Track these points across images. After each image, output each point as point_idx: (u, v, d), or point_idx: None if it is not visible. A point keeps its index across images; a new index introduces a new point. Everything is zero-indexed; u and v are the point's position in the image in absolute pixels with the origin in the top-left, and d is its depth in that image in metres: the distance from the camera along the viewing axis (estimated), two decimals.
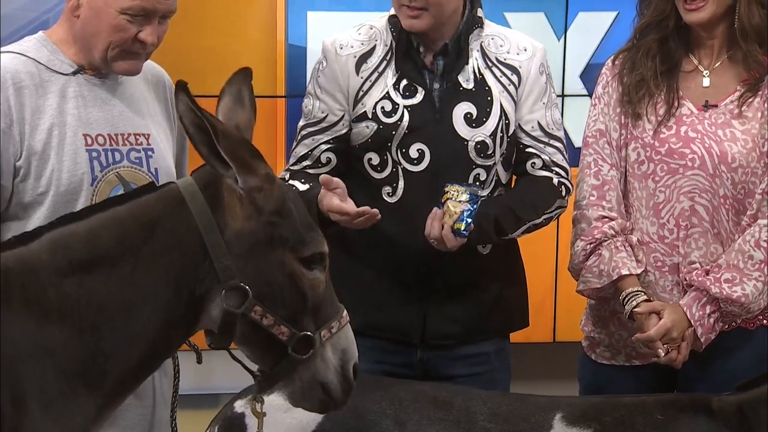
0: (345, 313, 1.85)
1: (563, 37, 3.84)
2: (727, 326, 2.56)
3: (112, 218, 1.73)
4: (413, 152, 2.56)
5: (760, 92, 2.56)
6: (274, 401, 2.19)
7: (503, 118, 2.59)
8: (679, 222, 2.55)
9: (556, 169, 2.63)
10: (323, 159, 2.62)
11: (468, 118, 2.57)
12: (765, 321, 2.60)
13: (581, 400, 2.35)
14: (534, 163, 2.63)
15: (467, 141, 2.56)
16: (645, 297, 2.53)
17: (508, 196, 2.63)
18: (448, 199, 2.45)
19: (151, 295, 1.71)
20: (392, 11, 2.60)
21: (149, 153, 2.34)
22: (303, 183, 2.56)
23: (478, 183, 2.57)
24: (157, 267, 1.71)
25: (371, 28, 2.63)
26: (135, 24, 2.25)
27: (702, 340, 2.51)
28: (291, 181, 2.57)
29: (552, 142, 2.64)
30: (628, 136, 2.61)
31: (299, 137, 2.65)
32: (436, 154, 2.56)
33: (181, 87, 1.68)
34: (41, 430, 1.64)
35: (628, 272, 2.54)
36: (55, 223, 1.73)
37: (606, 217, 2.60)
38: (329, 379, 1.83)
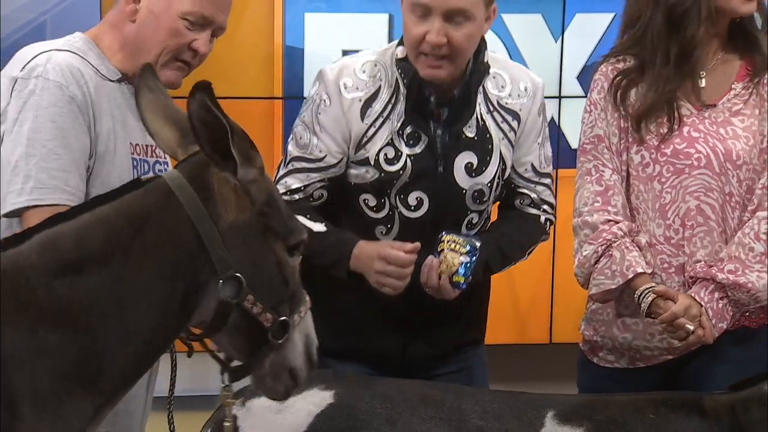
0: (308, 297, 1.89)
1: (560, 38, 3.84)
2: (731, 324, 2.54)
3: (100, 217, 1.72)
4: (412, 200, 2.54)
5: (754, 90, 2.56)
6: (265, 402, 2.19)
7: (501, 164, 2.58)
8: (684, 222, 2.54)
9: (544, 207, 2.66)
10: (316, 195, 2.57)
11: (469, 168, 2.55)
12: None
13: (573, 398, 2.34)
14: (523, 200, 2.66)
15: (465, 190, 2.55)
16: (662, 286, 2.53)
17: (497, 234, 2.62)
18: (445, 248, 2.45)
19: (145, 291, 1.70)
20: (395, 47, 2.54)
21: (168, 167, 2.35)
22: (310, 219, 2.50)
23: (470, 226, 2.58)
24: (149, 263, 1.70)
25: (375, 65, 2.53)
26: (192, 31, 2.29)
27: (714, 323, 2.49)
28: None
29: (542, 180, 2.65)
30: (630, 140, 2.60)
31: (291, 166, 2.56)
32: (435, 202, 2.54)
33: (203, 87, 1.68)
34: None
35: (642, 270, 2.53)
36: (44, 225, 1.72)
37: (612, 220, 2.59)
38: (297, 363, 1.86)
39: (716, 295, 2.50)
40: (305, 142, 2.54)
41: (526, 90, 2.59)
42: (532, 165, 2.63)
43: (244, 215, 1.76)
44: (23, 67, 2.22)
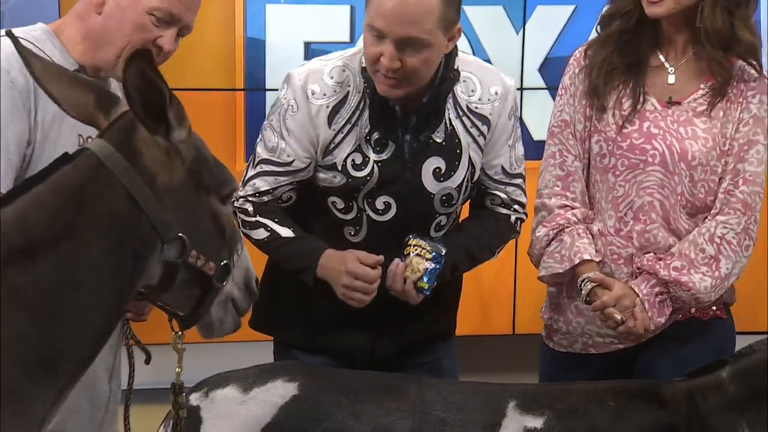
0: (241, 233, 1.94)
1: (522, 30, 3.84)
2: (681, 316, 2.58)
3: (37, 198, 1.70)
4: (379, 204, 2.54)
5: (721, 91, 2.56)
6: (229, 393, 2.20)
7: (470, 168, 2.57)
8: (638, 216, 2.56)
9: (515, 207, 2.66)
10: (285, 197, 2.57)
11: (437, 173, 2.54)
12: (718, 312, 2.62)
13: (534, 387, 2.36)
14: (494, 200, 2.66)
15: (434, 195, 2.55)
16: (600, 275, 2.55)
17: (466, 236, 2.62)
18: (411, 253, 2.46)
19: (95, 267, 1.69)
20: (362, 52, 2.49)
21: None
22: (278, 223, 2.53)
23: (439, 228, 2.59)
24: (93, 238, 1.69)
25: (344, 71, 2.51)
26: (158, 28, 2.28)
27: (650, 316, 2.51)
28: (261, 219, 2.53)
29: (513, 180, 2.65)
30: (592, 129, 2.61)
31: (259, 168, 2.55)
32: (402, 207, 2.54)
33: (140, 55, 1.67)
34: (2, 424, 1.60)
35: (589, 257, 2.56)
36: None
37: (568, 206, 2.62)
38: (240, 299, 1.95)
39: (656, 289, 2.53)
40: (273, 145, 2.54)
41: (496, 94, 2.57)
42: (503, 167, 2.62)
43: (177, 175, 1.77)
44: None
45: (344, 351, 2.61)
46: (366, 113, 2.50)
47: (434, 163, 2.53)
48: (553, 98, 3.70)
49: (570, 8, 3.85)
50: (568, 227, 2.61)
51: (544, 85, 3.88)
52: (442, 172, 2.54)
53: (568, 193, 2.63)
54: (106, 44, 2.28)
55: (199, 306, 1.88)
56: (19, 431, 1.64)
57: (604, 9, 2.65)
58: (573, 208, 2.62)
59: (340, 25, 3.73)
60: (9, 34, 1.90)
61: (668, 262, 2.53)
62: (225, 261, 1.86)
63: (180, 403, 2.00)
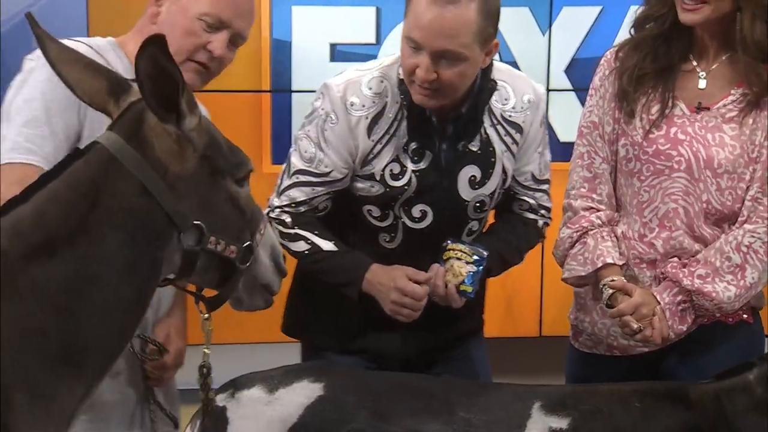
0: (264, 212, 1.95)
1: (548, 31, 3.84)
2: (706, 320, 2.56)
3: (53, 194, 1.71)
4: (416, 212, 2.56)
5: (752, 98, 2.51)
6: (255, 394, 2.20)
7: (503, 175, 2.60)
8: (663, 222, 2.54)
9: (542, 212, 2.69)
10: (321, 207, 2.59)
11: (472, 181, 2.56)
12: (744, 316, 2.59)
13: (559, 388, 2.35)
14: (522, 205, 2.68)
15: (468, 202, 2.57)
16: (621, 281, 2.54)
17: (498, 240, 2.64)
18: (452, 257, 2.48)
19: (113, 261, 1.69)
20: (399, 63, 2.50)
21: None
22: (319, 236, 2.54)
23: (470, 233, 2.61)
24: (110, 232, 1.70)
25: (381, 81, 2.51)
26: (208, 33, 2.32)
27: (671, 325, 2.50)
28: (300, 231, 2.55)
29: (541, 186, 2.68)
30: (620, 132, 2.60)
31: (295, 179, 2.55)
32: (438, 214, 2.56)
33: (154, 41, 1.66)
34: (31, 422, 1.62)
35: (612, 261, 2.55)
36: (3, 209, 1.70)
37: (593, 208, 2.61)
38: (269, 278, 1.95)
39: (678, 298, 2.51)
40: (310, 156, 2.54)
41: (529, 102, 2.59)
42: (532, 174, 2.65)
43: (190, 164, 1.76)
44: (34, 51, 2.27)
45: (375, 352, 2.63)
46: (404, 124, 2.51)
47: (470, 171, 2.55)
48: (580, 99, 3.73)
49: (596, 9, 3.84)
50: (592, 230, 2.60)
51: (570, 87, 3.87)
52: (477, 179, 2.56)
53: (594, 195, 2.62)
54: None
55: (224, 288, 1.88)
56: (47, 427, 1.65)
57: (638, 11, 2.62)
58: (598, 211, 2.61)
59: (365, 26, 3.74)
60: (28, 16, 1.88)
61: (692, 269, 2.51)
62: (248, 242, 1.85)
63: (208, 385, 1.99)
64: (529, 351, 3.97)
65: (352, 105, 2.50)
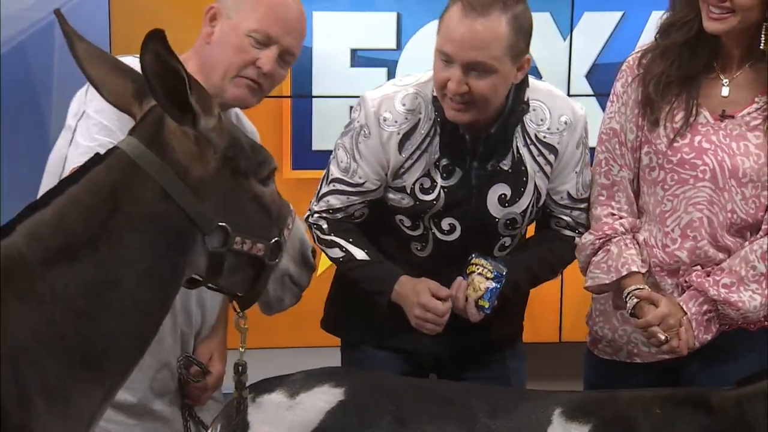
0: (291, 206, 1.92)
1: (569, 36, 3.83)
2: (728, 326, 2.55)
3: (73, 199, 1.71)
4: (445, 225, 2.59)
5: None
6: (276, 399, 2.20)
7: (535, 194, 2.62)
8: (685, 232, 2.53)
9: (580, 229, 2.69)
10: (357, 214, 2.64)
11: (502, 199, 2.59)
12: (767, 323, 2.58)
13: (580, 394, 2.34)
14: (559, 223, 2.70)
15: (498, 219, 2.60)
16: (647, 291, 2.53)
17: (530, 255, 2.67)
18: (474, 272, 2.51)
19: (134, 266, 1.70)
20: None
21: None
22: (353, 244, 2.60)
23: (503, 248, 2.64)
24: (131, 237, 1.70)
25: (416, 98, 2.56)
26: (256, 49, 2.36)
27: (696, 335, 2.49)
28: (335, 238, 2.61)
29: (579, 205, 2.68)
30: (643, 139, 2.58)
31: (332, 186, 2.62)
32: (467, 228, 2.59)
33: (156, 37, 1.64)
34: (48, 424, 1.62)
35: (636, 269, 2.54)
36: (23, 214, 1.71)
37: (615, 215, 2.60)
38: (297, 272, 1.93)
39: (705, 308, 2.49)
40: (346, 165, 2.60)
41: (566, 123, 2.60)
42: (569, 193, 2.66)
43: (211, 165, 1.76)
44: None
45: (410, 351, 2.68)
46: (436, 140, 2.55)
47: (500, 189, 2.58)
48: (601, 105, 3.71)
49: (618, 14, 3.83)
50: (615, 237, 2.58)
51: (591, 92, 3.86)
52: (508, 198, 2.59)
53: (613, 203, 2.61)
54: (213, 70, 2.38)
55: (255, 286, 1.88)
56: (66, 430, 1.65)
57: (663, 17, 2.60)
58: (620, 218, 2.60)
59: (386, 32, 3.74)
60: (56, 12, 1.86)
61: (717, 278, 2.49)
62: (275, 239, 1.85)
63: (243, 382, 2.00)
64: (549, 356, 3.96)
65: (384, 120, 2.55)
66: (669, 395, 2.26)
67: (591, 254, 2.61)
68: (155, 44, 1.64)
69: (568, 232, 2.70)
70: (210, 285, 1.90)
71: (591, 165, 2.70)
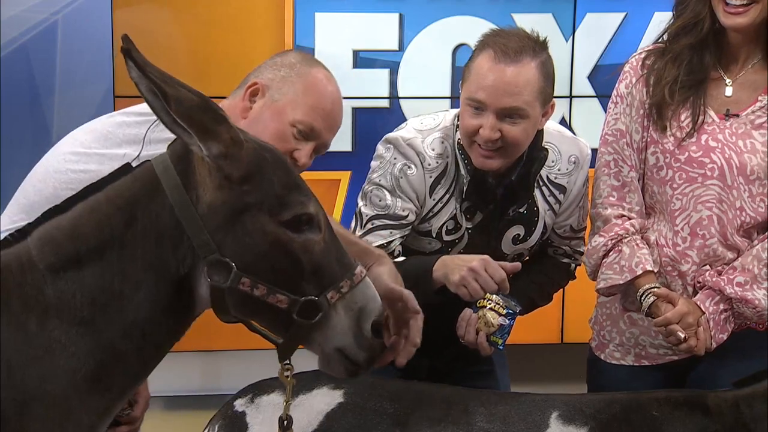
0: (359, 269, 1.75)
1: (571, 38, 3.84)
2: (737, 327, 2.54)
3: (92, 206, 1.69)
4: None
5: None
6: (275, 400, 2.21)
7: (543, 231, 2.68)
8: (695, 231, 2.52)
9: (576, 256, 2.78)
10: (396, 252, 2.62)
11: (515, 239, 2.66)
12: None
13: (577, 397, 2.34)
14: (556, 251, 2.77)
15: (507, 254, 2.66)
16: (664, 289, 2.52)
17: (529, 283, 2.69)
18: (485, 306, 2.48)
19: (139, 282, 1.66)
20: (455, 126, 2.56)
21: None
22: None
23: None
24: (139, 252, 1.66)
25: (442, 143, 2.58)
26: (297, 140, 2.29)
27: (713, 334, 2.48)
28: None
29: (578, 235, 2.75)
30: (649, 140, 2.58)
31: (371, 225, 2.61)
32: None
33: (126, 51, 1.57)
34: None
35: (650, 268, 2.53)
36: (42, 219, 1.69)
37: (625, 215, 2.60)
38: (344, 342, 1.73)
39: (721, 306, 2.49)
40: (386, 203, 2.59)
41: (574, 163, 2.66)
42: (571, 226, 2.73)
43: (222, 194, 1.67)
44: None
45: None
46: (461, 183, 2.57)
47: (515, 230, 2.65)
48: (603, 106, 3.71)
49: (620, 15, 3.84)
50: (626, 238, 2.57)
51: (593, 93, 3.86)
52: (520, 237, 2.66)
53: (624, 204, 2.60)
54: None
55: (287, 338, 1.73)
56: None
57: (671, 21, 2.59)
58: (630, 218, 2.59)
59: (389, 33, 3.75)
60: (124, 38, 1.68)
61: (731, 277, 2.49)
62: (311, 297, 1.69)
63: None
64: (551, 357, 3.97)
65: (424, 160, 2.57)
66: (666, 397, 2.25)
67: (602, 256, 2.60)
68: (134, 54, 1.58)
69: (565, 260, 2.77)
70: (249, 326, 1.78)
71: (597, 161, 2.69)
